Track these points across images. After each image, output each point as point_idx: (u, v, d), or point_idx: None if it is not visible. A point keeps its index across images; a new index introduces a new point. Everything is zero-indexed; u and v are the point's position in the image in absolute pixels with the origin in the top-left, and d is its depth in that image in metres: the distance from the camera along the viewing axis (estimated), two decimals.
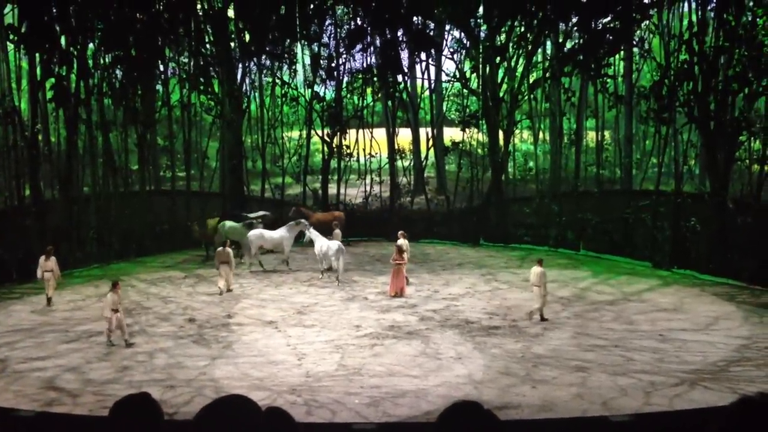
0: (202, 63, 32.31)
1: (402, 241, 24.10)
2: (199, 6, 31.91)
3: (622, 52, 30.86)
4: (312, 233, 25.94)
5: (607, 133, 33.36)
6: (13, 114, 27.14)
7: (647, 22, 29.26)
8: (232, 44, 32.92)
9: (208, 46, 32.51)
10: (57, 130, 29.54)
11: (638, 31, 29.89)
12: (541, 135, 34.06)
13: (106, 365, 16.44)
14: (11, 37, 26.88)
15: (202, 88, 32.31)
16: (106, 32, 28.94)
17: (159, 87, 32.21)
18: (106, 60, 29.51)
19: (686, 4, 27.05)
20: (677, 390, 14.38)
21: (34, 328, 19.61)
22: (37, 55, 27.30)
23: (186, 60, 32.80)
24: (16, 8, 27.01)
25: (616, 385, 14.68)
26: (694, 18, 25.83)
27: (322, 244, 25.38)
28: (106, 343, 17.79)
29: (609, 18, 29.70)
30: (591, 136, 32.98)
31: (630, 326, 19.10)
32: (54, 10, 27.60)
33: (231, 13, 32.73)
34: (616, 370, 15.55)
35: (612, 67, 30.31)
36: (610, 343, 17.56)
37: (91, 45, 29.02)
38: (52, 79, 27.62)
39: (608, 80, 30.01)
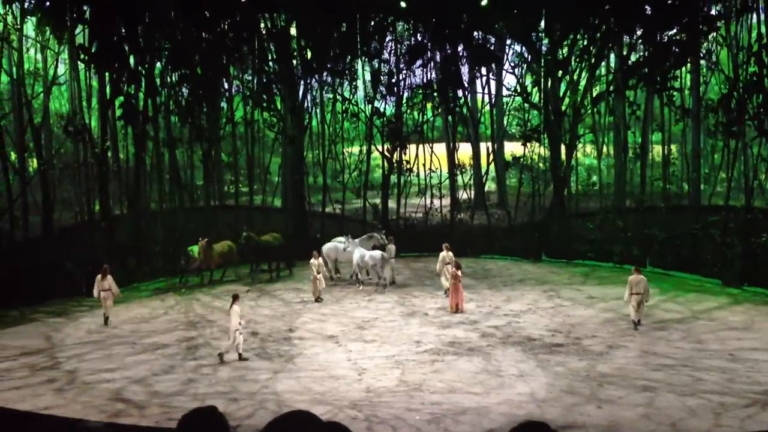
0: (265, 80, 32.86)
1: (446, 254, 24.28)
2: (262, 25, 32.48)
3: (688, 65, 30.15)
4: (351, 243, 26.27)
5: (674, 147, 32.53)
6: (84, 132, 28.05)
7: (714, 34, 28.56)
8: (294, 62, 33.35)
9: (271, 63, 33.05)
10: (126, 147, 30.35)
11: (705, 44, 29.19)
12: (605, 149, 33.45)
13: (171, 377, 16.74)
14: (82, 56, 27.79)
15: (265, 104, 32.81)
16: (172, 51, 29.71)
17: (223, 104, 32.83)
18: (173, 78, 30.28)
19: (755, 16, 26.31)
20: (749, 411, 13.92)
21: (102, 341, 20.11)
22: (106, 74, 28.18)
23: (250, 78, 33.41)
24: (86, 29, 27.98)
25: (685, 405, 14.27)
26: (763, 29, 25.10)
27: (363, 254, 25.77)
28: (238, 358, 17.90)
29: (675, 30, 29.10)
30: (657, 150, 32.22)
31: (699, 345, 18.55)
32: (123, 31, 28.46)
33: (293, 31, 33.21)
34: (685, 390, 15.12)
35: (678, 79, 29.62)
36: (678, 363, 17.07)
37: (158, 64, 29.80)
38: (121, 98, 28.43)
39: (675, 93, 29.31)
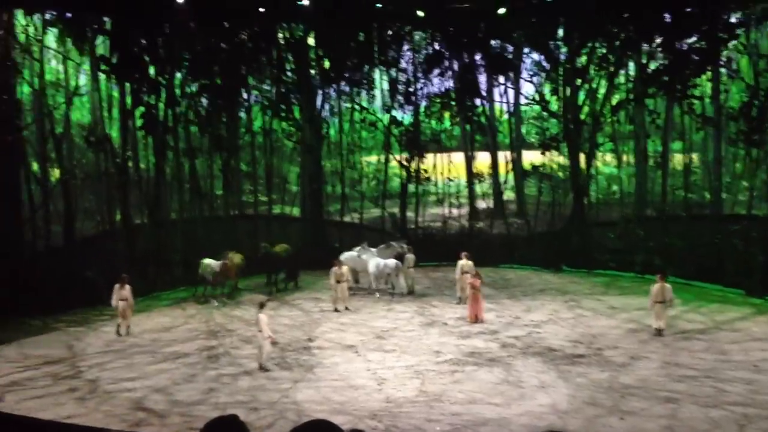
0: (283, 90, 32.98)
1: (464, 262, 24.27)
2: (280, 35, 32.64)
3: (709, 73, 29.94)
4: (365, 252, 26.27)
5: (694, 156, 32.28)
6: (105, 141, 28.34)
7: (734, 41, 28.35)
8: (312, 71, 33.49)
9: (289, 73, 33.17)
10: (146, 156, 30.56)
11: (725, 51, 28.99)
12: (624, 157, 33.26)
13: (192, 386, 16.79)
14: (103, 67, 28.10)
15: (283, 114, 32.91)
16: (192, 62, 29.93)
17: (242, 114, 33.01)
18: (193, 89, 30.48)
19: None
20: None
21: (123, 350, 20.20)
22: (127, 84, 28.45)
23: (268, 87, 33.54)
24: (107, 40, 28.30)
25: (708, 417, 14.11)
26: None
27: (378, 262, 25.79)
28: (260, 368, 17.92)
29: (694, 38, 28.91)
30: (678, 159, 31.98)
31: (722, 356, 18.33)
32: (143, 42, 28.72)
33: (311, 41, 33.33)
34: (708, 402, 14.96)
35: (698, 88, 29.42)
36: (701, 374, 16.89)
37: (178, 74, 30.02)
38: (142, 108, 28.67)
39: (695, 101, 29.11)
